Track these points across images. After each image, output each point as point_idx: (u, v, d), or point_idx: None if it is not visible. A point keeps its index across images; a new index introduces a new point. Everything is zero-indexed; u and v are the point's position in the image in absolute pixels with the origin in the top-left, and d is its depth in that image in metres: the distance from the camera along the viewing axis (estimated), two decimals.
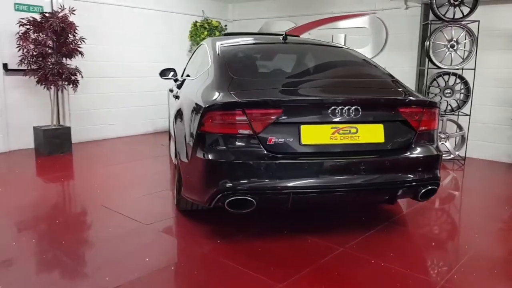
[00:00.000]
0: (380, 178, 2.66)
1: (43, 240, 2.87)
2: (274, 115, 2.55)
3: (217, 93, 2.72)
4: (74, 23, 5.22)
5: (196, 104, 2.78)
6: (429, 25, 5.24)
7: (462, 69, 5.13)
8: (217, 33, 7.50)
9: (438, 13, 4.98)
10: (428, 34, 5.20)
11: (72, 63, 5.41)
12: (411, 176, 2.73)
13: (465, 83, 5.16)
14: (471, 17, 4.89)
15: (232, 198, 2.55)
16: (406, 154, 2.73)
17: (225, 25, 7.70)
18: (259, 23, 7.79)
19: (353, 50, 3.75)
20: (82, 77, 5.40)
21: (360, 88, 2.92)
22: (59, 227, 3.07)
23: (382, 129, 2.69)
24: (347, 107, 2.58)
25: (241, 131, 2.56)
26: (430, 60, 5.15)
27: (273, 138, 2.57)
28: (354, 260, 2.60)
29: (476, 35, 4.94)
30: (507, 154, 5.28)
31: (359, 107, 2.60)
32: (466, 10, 4.93)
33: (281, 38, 3.68)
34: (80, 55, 5.32)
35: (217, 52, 3.30)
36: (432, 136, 2.88)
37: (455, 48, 5.09)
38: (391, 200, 3.05)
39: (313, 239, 2.87)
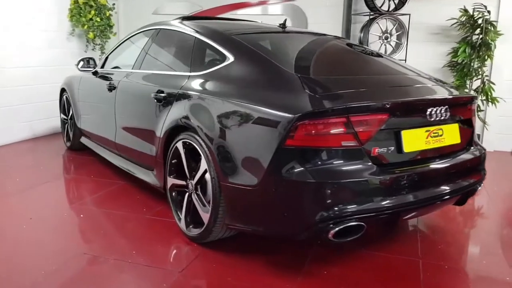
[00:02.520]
0: (464, 180, 2.46)
1: None
2: (382, 121, 2.08)
3: (298, 97, 2.10)
4: None
5: (266, 112, 2.12)
6: (351, 16, 5.28)
7: None
8: (107, 13, 6.22)
9: (374, 5, 5.05)
10: (363, 25, 5.25)
11: None
12: (479, 175, 2.61)
13: None
14: (403, 10, 5.11)
15: (342, 226, 2.00)
16: (475, 153, 2.59)
17: (113, 4, 6.44)
18: (152, 2, 6.77)
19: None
20: None
21: (427, 86, 2.62)
22: None
23: (458, 128, 2.48)
24: (440, 108, 2.29)
25: (344, 143, 2.01)
26: None
27: (376, 149, 2.10)
28: (444, 271, 2.36)
29: (407, 27, 5.18)
30: None
31: (447, 107, 2.34)
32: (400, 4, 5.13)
33: (279, 26, 3.20)
34: None
35: (241, 43, 2.63)
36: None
37: (388, 40, 5.27)
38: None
39: (380, 254, 2.54)
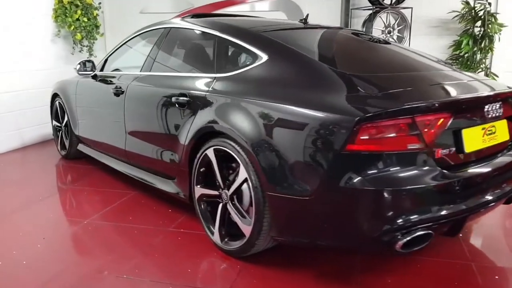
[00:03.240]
0: None
1: None
2: (446, 120, 1.95)
3: (355, 98, 1.96)
4: None
5: (320, 115, 1.95)
6: (351, 11, 5.19)
7: None
8: (95, 13, 5.90)
9: None
10: (365, 19, 5.16)
11: None
12: None
13: None
14: (405, 4, 5.04)
15: (411, 237, 1.86)
16: None
17: (99, 3, 6.11)
18: (139, 1, 6.48)
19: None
20: None
21: (473, 81, 2.49)
22: None
23: (507, 124, 2.38)
24: (495, 104, 2.18)
25: (410, 146, 1.87)
26: None
27: (440, 150, 1.97)
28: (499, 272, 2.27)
29: (410, 21, 5.12)
30: None
31: (501, 103, 2.23)
32: None
33: (300, 21, 3.05)
34: None
35: (274, 40, 2.46)
36: None
37: (391, 34, 5.19)
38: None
39: (428, 259, 2.43)
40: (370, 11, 5.17)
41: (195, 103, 2.61)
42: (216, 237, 2.52)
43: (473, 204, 2.01)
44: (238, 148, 2.27)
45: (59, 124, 4.67)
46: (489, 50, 5.01)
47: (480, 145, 2.14)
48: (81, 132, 4.17)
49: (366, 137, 1.83)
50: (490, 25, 4.92)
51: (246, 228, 2.30)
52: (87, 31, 5.80)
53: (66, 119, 4.44)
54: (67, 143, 4.52)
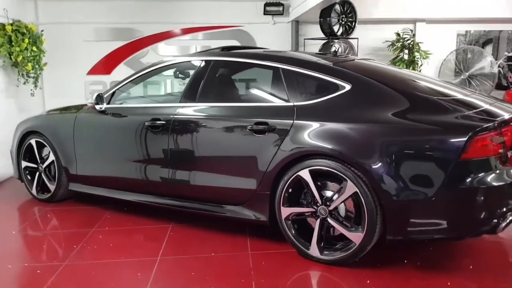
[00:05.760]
0: None
1: None
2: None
3: (459, 117, 2.50)
4: None
5: (432, 132, 2.46)
6: (305, 40, 5.85)
7: None
8: (44, 41, 5.43)
9: (331, 30, 5.66)
10: (320, 48, 5.82)
11: None
12: None
13: None
14: (353, 35, 5.85)
15: (508, 220, 2.44)
16: None
17: (42, 30, 5.62)
18: (82, 29, 6.15)
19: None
20: None
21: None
22: None
23: None
24: None
25: (500, 150, 2.46)
26: None
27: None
28: None
29: (356, 49, 5.94)
30: None
31: None
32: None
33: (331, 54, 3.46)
34: None
35: (350, 72, 2.86)
36: None
37: None
38: None
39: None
40: (323, 41, 5.85)
41: (279, 130, 2.82)
42: (313, 251, 2.75)
43: None
44: (345, 166, 2.57)
45: (33, 165, 4.22)
46: None
47: None
48: (84, 170, 3.87)
49: (476, 147, 2.34)
50: (416, 52, 6.03)
51: (357, 236, 2.60)
52: (36, 61, 5.32)
53: (51, 159, 4.05)
54: (51, 185, 4.11)
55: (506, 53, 6.54)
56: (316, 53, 3.85)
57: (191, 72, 3.50)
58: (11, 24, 5.14)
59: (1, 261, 3.01)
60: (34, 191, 4.26)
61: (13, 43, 5.08)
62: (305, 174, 2.73)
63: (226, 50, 3.53)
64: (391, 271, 2.66)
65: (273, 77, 3.10)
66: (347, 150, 2.58)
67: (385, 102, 2.67)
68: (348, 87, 2.77)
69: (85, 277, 2.71)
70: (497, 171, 2.43)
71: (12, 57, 5.09)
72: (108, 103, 3.73)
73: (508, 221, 2.43)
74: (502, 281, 2.56)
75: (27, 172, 4.30)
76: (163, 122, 3.30)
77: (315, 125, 2.73)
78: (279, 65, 3.05)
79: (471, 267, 2.72)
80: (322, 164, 2.67)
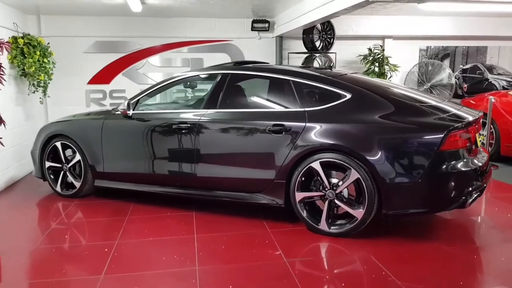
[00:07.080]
0: None
1: None
2: (475, 128, 3.39)
3: (437, 118, 3.25)
4: None
5: (420, 129, 3.19)
6: (288, 54, 6.60)
7: None
8: (53, 53, 5.85)
9: (313, 45, 6.45)
10: (303, 61, 6.58)
11: None
12: None
13: None
14: (332, 50, 6.66)
15: (474, 197, 3.24)
16: None
17: (48, 43, 6.03)
18: (84, 41, 6.60)
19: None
20: None
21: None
22: None
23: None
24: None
25: (467, 144, 3.28)
26: None
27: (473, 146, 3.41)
28: None
29: (335, 61, 6.75)
30: None
31: None
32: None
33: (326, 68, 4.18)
34: None
35: (351, 85, 3.59)
36: None
37: None
38: None
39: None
40: (305, 55, 6.62)
41: (294, 131, 3.50)
42: (323, 226, 3.44)
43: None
44: (349, 158, 3.28)
45: (57, 165, 4.67)
46: None
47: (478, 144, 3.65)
48: (112, 168, 4.38)
49: (450, 141, 3.10)
50: (385, 66, 6.92)
51: (358, 212, 3.31)
52: (46, 71, 5.73)
53: (77, 158, 4.52)
54: (77, 182, 4.58)
55: (461, 66, 7.58)
56: (316, 68, 4.57)
57: (205, 83, 4.12)
58: (23, 37, 5.55)
59: (69, 242, 3.54)
60: (58, 188, 4.71)
61: (25, 55, 5.48)
62: (316, 165, 3.41)
63: (238, 64, 4.20)
64: (388, 240, 3.38)
65: (289, 87, 3.75)
66: (351, 145, 3.30)
67: (379, 107, 3.40)
68: (348, 95, 3.48)
69: (141, 250, 3.28)
70: (465, 160, 3.22)
71: (25, 68, 5.48)
72: (133, 109, 4.28)
73: (473, 198, 3.22)
74: (469, 243, 3.36)
75: (50, 171, 4.75)
76: (189, 125, 3.90)
77: (324, 126, 3.42)
78: (289, 78, 3.73)
79: (444, 234, 3.51)
80: (331, 157, 3.37)
